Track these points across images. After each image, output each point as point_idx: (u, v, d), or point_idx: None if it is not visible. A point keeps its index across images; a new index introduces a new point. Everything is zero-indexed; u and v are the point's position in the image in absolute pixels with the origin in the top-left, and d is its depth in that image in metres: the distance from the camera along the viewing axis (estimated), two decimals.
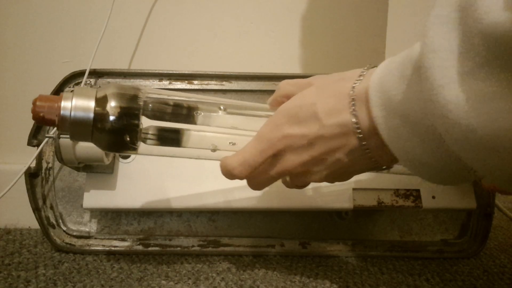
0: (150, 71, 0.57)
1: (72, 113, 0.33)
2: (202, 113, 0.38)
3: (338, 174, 0.36)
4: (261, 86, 0.57)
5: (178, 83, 0.57)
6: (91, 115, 0.33)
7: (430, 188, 0.53)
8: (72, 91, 0.34)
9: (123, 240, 0.53)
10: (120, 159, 0.52)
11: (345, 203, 0.52)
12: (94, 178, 0.51)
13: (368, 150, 0.32)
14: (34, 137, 0.53)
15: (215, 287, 0.45)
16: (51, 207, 0.54)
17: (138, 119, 0.35)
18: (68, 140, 0.46)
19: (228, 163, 0.36)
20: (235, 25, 0.66)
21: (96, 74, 0.56)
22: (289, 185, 0.40)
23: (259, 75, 0.57)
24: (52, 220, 0.54)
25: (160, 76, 0.57)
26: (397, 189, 0.52)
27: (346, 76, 0.34)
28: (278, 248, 0.54)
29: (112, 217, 0.55)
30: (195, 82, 0.57)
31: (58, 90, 0.55)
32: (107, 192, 0.51)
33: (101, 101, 0.34)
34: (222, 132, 0.40)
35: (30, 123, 0.53)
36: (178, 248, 0.53)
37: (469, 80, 0.22)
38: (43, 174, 0.54)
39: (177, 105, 0.38)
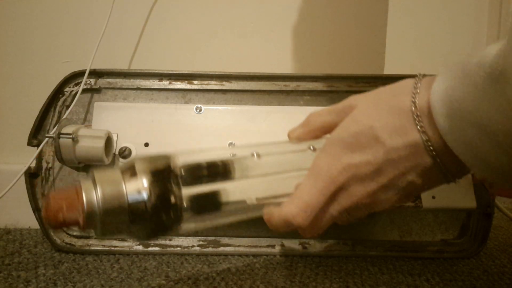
0: (150, 71, 0.57)
1: (101, 206, 0.26)
2: (237, 166, 0.33)
3: (408, 197, 0.33)
4: (261, 86, 0.57)
5: (178, 83, 0.57)
6: (125, 203, 0.26)
7: None
8: (90, 176, 0.27)
9: (123, 240, 0.53)
10: (120, 159, 0.52)
11: None
12: None
13: (443, 166, 0.30)
14: (34, 137, 0.53)
15: (215, 287, 0.45)
16: None
17: (180, 192, 0.29)
18: (68, 140, 0.46)
19: (285, 212, 0.32)
20: (235, 25, 0.66)
21: (96, 74, 0.56)
22: (345, 221, 0.36)
23: (259, 75, 0.57)
24: None
25: (160, 76, 0.57)
26: None
27: (397, 91, 0.32)
28: (278, 248, 0.54)
29: None
30: (195, 82, 0.57)
31: (58, 90, 0.55)
32: None
33: (133, 184, 0.27)
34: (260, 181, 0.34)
35: (30, 123, 0.53)
36: (178, 248, 0.53)
37: None
38: (43, 174, 0.54)
39: (212, 165, 0.32)
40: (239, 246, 0.54)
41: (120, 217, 0.27)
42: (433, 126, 0.29)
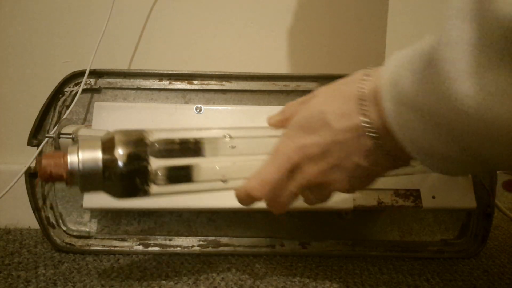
0: (150, 71, 0.57)
1: (81, 166, 0.33)
2: (208, 145, 0.38)
3: (360, 179, 0.35)
4: (261, 86, 0.57)
5: (178, 83, 0.57)
6: (100, 165, 0.33)
7: (430, 188, 0.53)
8: (75, 142, 0.34)
9: (123, 240, 0.53)
10: None
11: (345, 203, 0.52)
12: None
13: (384, 148, 0.32)
14: (34, 137, 0.53)
15: (215, 287, 0.45)
16: (51, 207, 0.54)
17: (147, 161, 0.34)
18: (68, 140, 0.46)
19: (245, 185, 0.36)
20: (235, 25, 0.66)
21: (96, 74, 0.56)
22: (311, 200, 0.39)
23: (259, 75, 0.57)
24: (52, 220, 0.54)
25: (160, 76, 0.57)
26: (397, 189, 0.52)
27: (349, 80, 0.34)
28: (278, 248, 0.54)
29: (112, 217, 0.55)
30: (195, 82, 0.57)
31: (58, 90, 0.55)
32: None
33: (108, 150, 0.33)
34: (231, 161, 0.39)
35: (30, 123, 0.53)
36: (178, 248, 0.53)
37: (484, 73, 0.22)
38: None
39: (184, 141, 0.37)
40: (239, 246, 0.54)
41: (96, 176, 0.33)
42: (378, 110, 0.31)
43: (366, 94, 0.32)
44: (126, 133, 0.35)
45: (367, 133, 0.32)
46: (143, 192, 0.35)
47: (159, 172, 0.36)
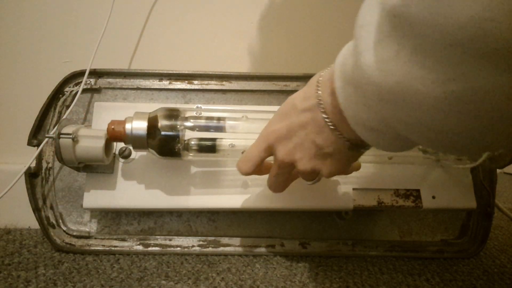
0: (150, 71, 0.57)
1: (133, 131, 0.45)
2: (229, 122, 0.47)
3: (320, 160, 0.38)
4: (261, 86, 0.57)
5: (178, 83, 0.57)
6: (145, 132, 0.45)
7: (430, 188, 0.53)
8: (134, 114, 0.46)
9: (123, 240, 0.53)
10: (120, 159, 0.52)
11: (345, 203, 0.52)
12: (94, 178, 0.51)
13: (333, 124, 0.35)
14: (34, 137, 0.54)
15: (215, 287, 0.45)
16: (51, 207, 0.54)
17: (179, 132, 0.46)
18: (68, 140, 0.46)
19: (238, 161, 0.43)
20: (235, 25, 0.66)
21: (96, 74, 0.57)
22: (288, 178, 0.44)
23: (259, 75, 0.58)
24: (52, 220, 0.54)
25: (160, 76, 0.57)
26: (397, 189, 0.52)
27: (320, 72, 0.39)
28: (278, 248, 0.54)
29: (112, 217, 0.55)
30: (195, 82, 0.57)
31: (58, 90, 0.55)
32: (107, 192, 0.51)
33: (152, 121, 0.45)
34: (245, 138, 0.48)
35: (30, 123, 0.53)
36: (178, 248, 0.53)
37: (378, 48, 0.27)
38: (43, 174, 0.54)
39: (209, 118, 0.48)
40: (239, 246, 0.54)
41: (142, 139, 0.45)
42: (331, 90, 0.35)
43: (323, 79, 0.36)
44: (167, 109, 0.47)
45: (320, 111, 0.36)
46: (177, 155, 0.47)
47: (190, 142, 0.48)
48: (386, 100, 0.27)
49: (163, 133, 0.45)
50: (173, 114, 0.46)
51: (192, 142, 0.48)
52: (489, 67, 0.22)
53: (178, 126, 0.46)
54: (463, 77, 0.23)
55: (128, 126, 0.45)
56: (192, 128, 0.47)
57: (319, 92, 0.36)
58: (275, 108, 0.56)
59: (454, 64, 0.22)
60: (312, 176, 0.41)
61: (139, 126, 0.45)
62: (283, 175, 0.42)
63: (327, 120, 0.36)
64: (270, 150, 0.41)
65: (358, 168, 0.47)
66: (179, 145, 0.46)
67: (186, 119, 0.47)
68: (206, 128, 0.47)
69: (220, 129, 0.47)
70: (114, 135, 0.46)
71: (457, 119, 0.25)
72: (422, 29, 0.23)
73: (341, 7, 0.67)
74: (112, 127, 0.46)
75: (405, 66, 0.25)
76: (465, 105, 0.24)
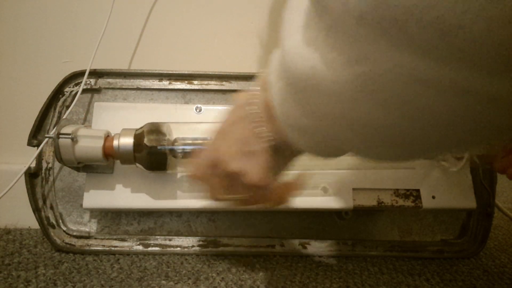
0: (150, 71, 0.57)
1: (120, 148, 0.47)
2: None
3: (244, 158, 0.35)
4: None
5: (178, 83, 0.57)
6: (131, 148, 0.47)
7: (430, 188, 0.53)
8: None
9: (123, 240, 0.53)
10: None
11: (345, 203, 0.52)
12: (94, 178, 0.51)
13: (263, 120, 0.33)
14: (34, 137, 0.54)
15: (215, 287, 0.45)
16: (51, 207, 0.54)
17: (165, 147, 0.47)
18: (68, 140, 0.46)
19: None
20: (235, 25, 0.66)
21: (96, 74, 0.57)
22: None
23: (259, 75, 0.57)
24: (52, 220, 0.54)
25: (160, 76, 0.57)
26: (397, 189, 0.52)
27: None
28: (278, 248, 0.54)
29: (112, 217, 0.55)
30: (195, 82, 0.57)
31: (58, 90, 0.55)
32: (107, 192, 0.51)
33: (138, 137, 0.47)
34: None
35: (30, 123, 0.53)
36: (178, 248, 0.53)
37: (299, 33, 0.26)
38: (43, 174, 0.54)
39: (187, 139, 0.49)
40: (239, 246, 0.54)
41: (129, 155, 0.47)
42: (265, 85, 0.33)
43: (263, 79, 0.35)
44: (153, 125, 0.48)
45: (254, 107, 0.34)
46: (162, 167, 0.48)
47: (173, 155, 0.48)
48: (302, 89, 0.26)
49: (149, 148, 0.46)
50: (159, 129, 0.48)
51: (180, 149, 0.48)
52: (393, 48, 0.20)
53: (164, 142, 0.47)
54: (369, 58, 0.21)
55: (115, 142, 0.47)
56: (177, 145, 0.48)
57: (257, 87, 0.35)
58: None
59: (360, 44, 0.21)
60: (233, 179, 0.36)
61: (126, 142, 0.47)
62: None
63: (258, 116, 0.34)
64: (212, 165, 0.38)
65: (286, 198, 0.39)
66: (165, 159, 0.47)
67: (169, 135, 0.48)
68: (193, 143, 0.48)
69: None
70: (105, 151, 0.47)
71: (368, 108, 0.23)
72: (334, 9, 0.22)
73: None
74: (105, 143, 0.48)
75: (319, 49, 0.24)
76: (373, 91, 0.22)
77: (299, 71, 0.26)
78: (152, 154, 0.47)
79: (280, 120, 0.31)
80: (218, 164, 0.37)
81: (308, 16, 0.25)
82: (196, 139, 0.49)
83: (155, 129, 0.48)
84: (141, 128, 0.48)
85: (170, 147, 0.48)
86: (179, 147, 0.48)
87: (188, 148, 0.48)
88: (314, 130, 0.29)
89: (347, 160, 0.53)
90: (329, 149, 0.32)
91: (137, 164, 0.48)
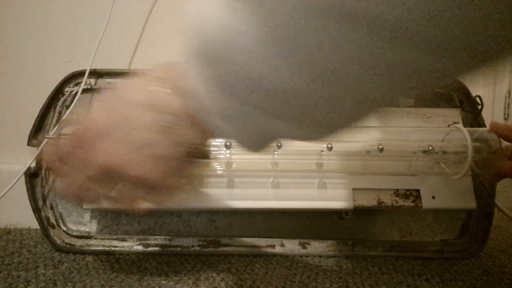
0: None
1: None
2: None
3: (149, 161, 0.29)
4: None
5: None
6: None
7: (430, 188, 0.53)
8: None
9: (123, 240, 0.53)
10: None
11: (345, 203, 0.52)
12: None
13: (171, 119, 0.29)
14: (34, 137, 0.53)
15: (215, 287, 0.45)
16: (51, 207, 0.54)
17: None
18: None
19: None
20: None
21: (96, 74, 0.56)
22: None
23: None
24: (52, 220, 0.54)
25: None
26: (397, 189, 0.52)
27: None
28: (278, 248, 0.54)
29: (112, 217, 0.55)
30: None
31: (58, 90, 0.55)
32: None
33: None
34: None
35: (30, 123, 0.53)
36: (178, 248, 0.53)
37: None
38: (43, 174, 0.54)
39: None
40: (239, 246, 0.54)
41: None
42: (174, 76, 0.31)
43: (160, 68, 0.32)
44: None
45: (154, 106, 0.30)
46: None
47: None
48: (217, 55, 0.24)
49: None
50: None
51: None
52: None
53: None
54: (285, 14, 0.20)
55: None
56: None
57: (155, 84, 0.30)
58: None
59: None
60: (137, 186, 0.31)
61: None
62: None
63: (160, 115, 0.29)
64: None
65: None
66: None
67: None
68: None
69: None
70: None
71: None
72: None
73: None
74: None
75: (230, 5, 0.22)
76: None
77: (209, 37, 0.24)
78: None
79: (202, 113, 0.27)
80: (85, 149, 0.29)
81: None
82: None
83: None
84: None
85: None
86: None
87: None
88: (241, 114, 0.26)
89: (347, 160, 0.53)
90: (257, 139, 0.28)
91: None
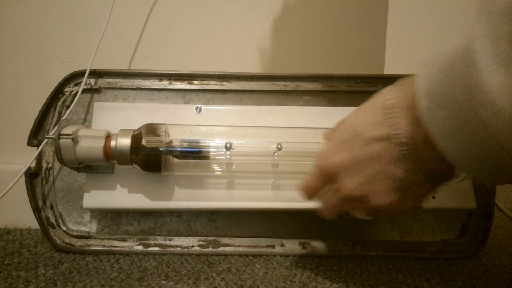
0: (150, 71, 0.57)
1: (117, 148, 0.47)
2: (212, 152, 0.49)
3: (400, 194, 0.34)
4: (261, 86, 0.57)
5: (178, 83, 0.57)
6: (129, 149, 0.47)
7: None
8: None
9: (123, 240, 0.53)
10: None
11: None
12: (94, 178, 0.51)
13: (412, 154, 0.32)
14: (34, 137, 0.54)
15: (215, 287, 0.45)
16: (51, 207, 0.54)
17: (162, 148, 0.47)
18: (68, 141, 0.46)
19: (299, 186, 0.41)
20: (235, 25, 0.66)
21: (96, 74, 0.56)
22: (361, 213, 0.40)
23: (259, 75, 0.57)
24: (52, 220, 0.54)
25: (160, 76, 0.57)
26: None
27: (378, 94, 0.35)
28: (278, 248, 0.54)
29: (112, 217, 0.55)
30: (195, 82, 0.57)
31: (58, 90, 0.55)
32: (107, 192, 0.51)
33: (136, 138, 0.47)
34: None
35: (30, 123, 0.53)
36: (178, 248, 0.53)
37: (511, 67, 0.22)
38: (43, 174, 0.54)
39: (191, 141, 0.49)
40: (239, 246, 0.54)
41: (126, 156, 0.47)
42: (409, 115, 0.31)
43: (397, 104, 0.32)
44: (151, 126, 0.48)
45: (396, 141, 0.32)
46: (159, 169, 0.48)
47: (170, 158, 0.48)
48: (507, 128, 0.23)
49: (146, 150, 0.47)
50: (156, 131, 0.48)
51: (176, 151, 0.48)
52: None
53: (161, 143, 0.47)
54: None
55: (112, 143, 0.47)
56: (173, 147, 0.48)
57: (394, 119, 0.32)
58: (273, 108, 0.56)
59: None
60: (387, 210, 0.36)
61: (123, 143, 0.47)
62: (345, 207, 0.39)
63: (405, 151, 0.32)
64: (328, 180, 0.38)
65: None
66: (160, 161, 0.47)
67: (168, 137, 0.48)
68: (190, 145, 0.49)
69: (203, 155, 0.49)
70: (106, 152, 0.47)
71: None
72: None
73: (341, 7, 0.67)
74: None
75: None
76: None
77: (507, 111, 0.23)
78: (148, 156, 0.47)
79: (449, 154, 0.28)
80: (333, 181, 0.36)
81: None
82: (193, 141, 0.49)
83: (152, 130, 0.48)
84: (138, 129, 0.48)
85: (167, 148, 0.47)
86: (175, 149, 0.48)
87: (184, 150, 0.48)
88: (493, 163, 0.26)
89: None
90: (502, 177, 0.29)
91: (134, 165, 0.48)
